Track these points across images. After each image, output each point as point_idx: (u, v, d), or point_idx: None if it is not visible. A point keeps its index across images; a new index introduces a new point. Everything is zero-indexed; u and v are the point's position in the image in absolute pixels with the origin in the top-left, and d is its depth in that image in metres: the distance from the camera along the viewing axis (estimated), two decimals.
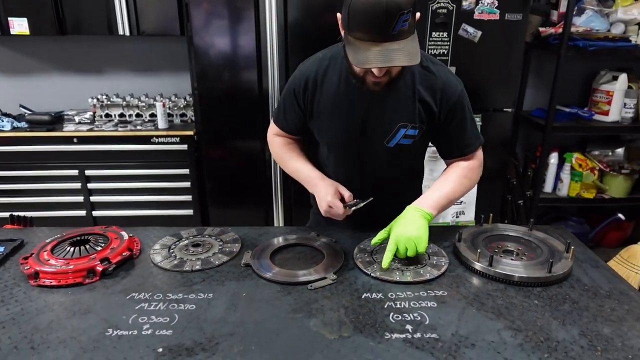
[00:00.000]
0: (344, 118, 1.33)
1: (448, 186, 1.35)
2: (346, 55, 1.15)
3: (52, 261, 1.18)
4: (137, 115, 2.96)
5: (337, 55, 1.32)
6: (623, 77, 2.86)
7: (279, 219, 2.71)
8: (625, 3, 2.75)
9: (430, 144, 1.47)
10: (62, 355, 0.90)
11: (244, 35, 2.36)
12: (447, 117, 1.32)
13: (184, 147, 2.75)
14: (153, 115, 2.94)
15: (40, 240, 1.33)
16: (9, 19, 2.64)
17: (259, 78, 2.42)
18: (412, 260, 1.23)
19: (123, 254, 1.24)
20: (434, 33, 2.40)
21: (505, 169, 2.86)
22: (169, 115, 2.90)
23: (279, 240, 1.37)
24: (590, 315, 1.04)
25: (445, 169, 1.43)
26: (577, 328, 0.99)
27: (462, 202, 2.56)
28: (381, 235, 1.27)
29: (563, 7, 2.77)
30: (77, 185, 2.81)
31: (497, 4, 2.36)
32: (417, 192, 1.54)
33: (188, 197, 2.85)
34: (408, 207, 1.28)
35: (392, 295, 1.11)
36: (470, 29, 2.39)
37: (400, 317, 1.02)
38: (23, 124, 2.81)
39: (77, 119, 2.90)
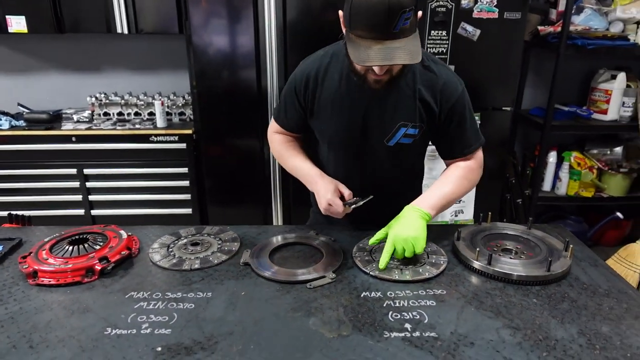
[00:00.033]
0: (345, 116, 1.33)
1: (447, 187, 1.34)
2: (347, 53, 1.15)
3: (51, 260, 1.18)
4: (136, 113, 2.96)
5: (338, 53, 1.32)
6: (621, 76, 2.86)
7: (277, 218, 2.71)
8: (624, 2, 2.75)
9: (430, 143, 1.47)
10: (61, 354, 0.90)
11: (242, 33, 2.35)
12: (447, 117, 1.31)
13: (183, 145, 2.75)
14: (152, 113, 2.93)
15: (38, 239, 1.33)
16: (7, 17, 2.63)
17: (257, 77, 2.42)
18: (411, 259, 1.23)
19: (122, 252, 1.24)
20: (432, 31, 2.39)
21: (504, 167, 2.86)
22: (168, 113, 2.89)
23: (277, 239, 1.37)
24: (589, 313, 1.04)
25: (445, 169, 1.42)
26: (576, 326, 0.99)
27: (461, 200, 2.56)
28: (379, 235, 1.27)
29: (562, 6, 2.77)
30: (76, 184, 2.80)
31: (496, 3, 2.36)
32: (416, 192, 1.54)
33: (187, 196, 2.85)
34: (406, 207, 1.28)
35: (391, 294, 1.11)
36: (469, 28, 2.39)
37: (399, 316, 1.02)
38: (21, 123, 2.80)
39: (75, 117, 2.89)
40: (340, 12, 1.16)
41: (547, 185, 3.08)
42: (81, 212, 2.86)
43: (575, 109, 2.99)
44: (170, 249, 1.31)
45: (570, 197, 3.03)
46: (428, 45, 2.41)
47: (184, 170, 2.80)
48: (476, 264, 1.20)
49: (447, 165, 1.43)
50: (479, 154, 1.40)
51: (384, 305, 1.06)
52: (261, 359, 0.89)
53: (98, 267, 1.17)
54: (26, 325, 0.98)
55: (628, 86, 2.88)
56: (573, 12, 2.67)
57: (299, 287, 1.14)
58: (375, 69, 1.14)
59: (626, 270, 2.62)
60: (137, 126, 2.80)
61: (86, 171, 2.78)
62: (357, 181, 1.41)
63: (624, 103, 2.90)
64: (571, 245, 1.24)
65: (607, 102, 2.91)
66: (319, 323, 1.00)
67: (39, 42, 3.03)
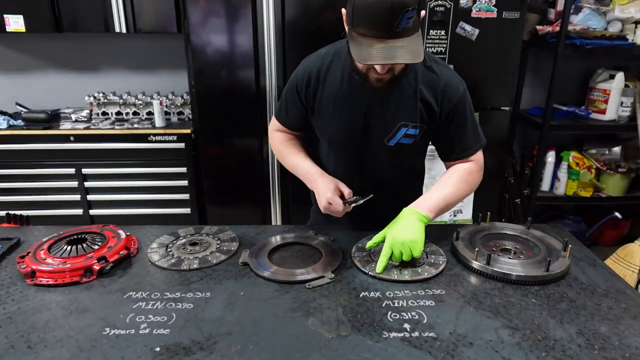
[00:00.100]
0: (346, 115, 1.33)
1: (446, 189, 1.33)
2: (349, 51, 1.15)
3: (49, 260, 1.17)
4: (134, 113, 2.95)
5: (340, 51, 1.32)
6: (620, 76, 2.86)
7: (276, 217, 2.71)
8: (622, 2, 2.75)
9: (429, 144, 1.46)
10: (59, 354, 0.90)
11: (241, 33, 2.35)
12: (448, 118, 1.31)
13: (181, 145, 2.74)
14: (150, 113, 2.93)
15: (37, 239, 1.33)
16: (5, 16, 2.63)
17: (256, 76, 2.42)
18: (409, 261, 1.22)
19: (120, 252, 1.24)
20: (431, 31, 2.39)
21: (502, 167, 2.86)
22: (166, 113, 2.89)
23: (276, 239, 1.37)
24: (588, 313, 1.04)
25: (445, 171, 1.41)
26: (575, 327, 0.99)
27: None
28: (377, 238, 1.26)
29: (560, 6, 2.77)
30: (74, 183, 2.80)
31: (494, 2, 2.36)
32: (417, 192, 1.54)
33: (185, 196, 2.85)
34: (405, 209, 1.28)
35: (390, 294, 1.11)
36: (468, 27, 2.39)
37: (398, 316, 1.02)
38: (19, 122, 2.80)
39: (73, 117, 2.89)
40: (343, 10, 1.15)
41: (545, 185, 3.09)
42: (79, 211, 2.86)
43: (573, 108, 3.00)
44: (168, 249, 1.31)
45: (569, 197, 3.04)
46: (427, 45, 2.41)
47: (183, 169, 2.79)
48: (475, 264, 1.20)
49: (447, 167, 1.42)
50: (479, 157, 1.39)
51: (383, 305, 1.06)
52: (260, 359, 0.89)
53: (96, 267, 1.17)
54: (24, 326, 0.98)
55: (626, 86, 2.89)
56: (571, 11, 2.67)
57: (297, 287, 1.14)
58: (377, 67, 1.14)
59: (624, 270, 2.62)
60: (136, 126, 2.79)
61: (84, 171, 2.78)
62: (357, 180, 1.41)
63: (622, 103, 2.90)
64: (570, 245, 1.25)
65: (606, 101, 2.92)
66: (318, 323, 1.00)
67: (37, 41, 3.02)
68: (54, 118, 2.88)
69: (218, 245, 1.33)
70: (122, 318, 1.01)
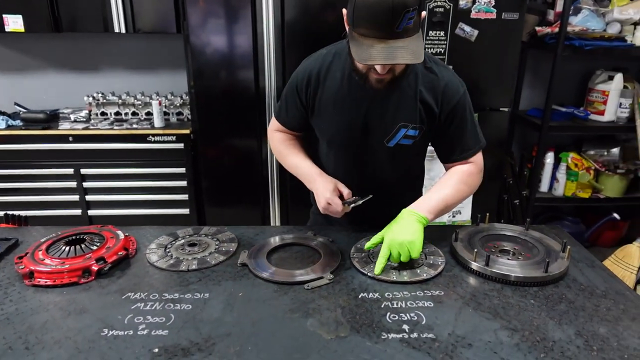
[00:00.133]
0: (346, 115, 1.33)
1: (445, 191, 1.33)
2: (350, 51, 1.15)
3: (47, 260, 1.17)
4: (133, 113, 2.95)
5: (341, 51, 1.32)
6: (619, 77, 2.87)
7: (275, 218, 2.71)
8: (621, 3, 2.76)
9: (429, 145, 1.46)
10: (57, 355, 0.90)
11: (240, 33, 2.35)
12: (447, 119, 1.31)
13: (180, 145, 2.74)
14: (149, 113, 2.93)
15: (35, 239, 1.33)
16: (4, 15, 2.62)
17: (255, 77, 2.42)
18: (408, 262, 1.22)
19: (119, 253, 1.24)
20: (430, 32, 2.39)
21: (501, 168, 2.86)
22: (165, 113, 2.89)
23: (275, 240, 1.37)
24: (586, 315, 1.04)
25: (444, 173, 1.41)
26: (573, 328, 0.99)
27: None
28: (375, 239, 1.26)
29: (559, 7, 2.77)
30: (73, 184, 2.79)
31: (493, 3, 2.36)
32: (416, 193, 1.54)
33: (184, 196, 2.84)
34: (404, 210, 1.27)
35: (388, 295, 1.11)
36: (467, 28, 2.39)
37: (397, 317, 1.02)
38: (18, 122, 2.79)
39: (72, 117, 2.89)
40: (344, 10, 1.15)
41: (544, 186, 3.09)
42: (78, 212, 2.85)
43: (572, 109, 3.00)
44: (167, 250, 1.31)
45: (568, 198, 3.04)
46: (426, 46, 2.41)
47: (182, 170, 2.79)
48: (474, 265, 1.20)
49: (447, 169, 1.42)
50: (479, 159, 1.38)
51: (382, 306, 1.06)
52: None
53: (95, 268, 1.16)
54: (22, 326, 0.98)
55: (625, 87, 2.89)
56: (570, 13, 2.67)
57: (296, 288, 1.13)
58: (378, 68, 1.14)
59: (623, 271, 2.63)
60: (135, 126, 2.79)
61: (83, 171, 2.77)
62: (357, 181, 1.41)
63: (621, 104, 2.90)
64: (568, 247, 1.25)
65: (604, 103, 2.92)
66: (317, 324, 1.00)
67: (36, 41, 3.02)
68: (52, 118, 2.88)
69: (217, 246, 1.33)
70: (121, 319, 1.00)
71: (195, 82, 2.45)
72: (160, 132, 2.72)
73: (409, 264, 1.22)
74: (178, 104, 2.92)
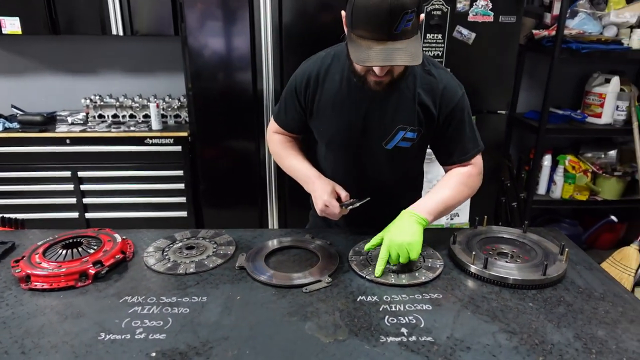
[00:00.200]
0: (344, 117, 1.33)
1: (445, 192, 1.33)
2: (348, 53, 1.15)
3: (44, 264, 1.16)
4: (131, 116, 2.95)
5: (340, 53, 1.32)
6: (615, 80, 2.88)
7: (273, 220, 2.70)
8: (618, 6, 2.77)
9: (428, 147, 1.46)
10: None
11: (238, 35, 2.35)
12: (446, 121, 1.31)
13: (178, 148, 2.73)
14: (147, 116, 2.92)
15: (32, 242, 1.32)
16: (1, 18, 2.62)
17: (253, 79, 2.42)
18: (406, 265, 1.22)
19: (116, 256, 1.23)
20: (428, 35, 2.40)
21: (499, 171, 2.87)
22: (163, 116, 2.88)
23: (273, 243, 1.37)
24: (585, 317, 1.04)
25: (444, 175, 1.41)
26: (572, 331, 0.99)
27: None
28: (375, 240, 1.26)
29: (556, 10, 2.78)
30: (70, 186, 2.78)
31: (491, 6, 2.37)
32: (415, 195, 1.54)
33: (182, 199, 2.84)
34: (403, 212, 1.27)
35: (387, 298, 1.11)
36: (465, 31, 2.40)
37: (395, 320, 1.02)
38: (15, 125, 2.78)
39: (69, 119, 2.88)
40: (343, 12, 1.16)
41: (542, 189, 3.09)
42: (75, 215, 2.84)
43: (569, 112, 3.01)
44: (165, 253, 1.30)
45: (565, 201, 3.05)
46: (424, 49, 2.42)
47: (179, 173, 2.78)
48: (472, 268, 1.20)
49: (446, 172, 1.42)
50: (479, 161, 1.39)
51: (380, 309, 1.06)
52: None
53: (92, 271, 1.16)
54: (18, 331, 0.97)
55: (622, 90, 2.90)
56: (567, 16, 2.68)
57: (294, 291, 1.13)
58: (376, 69, 1.14)
59: (621, 273, 2.63)
60: (132, 128, 2.78)
61: (80, 174, 2.76)
62: (355, 183, 1.41)
63: (617, 107, 2.91)
64: (567, 249, 1.25)
65: (601, 105, 2.93)
66: (315, 327, 0.99)
67: (33, 43, 3.01)
68: (50, 121, 2.87)
69: (214, 249, 1.33)
70: (118, 323, 1.00)
71: (193, 84, 2.45)
72: (158, 134, 2.71)
73: (408, 267, 1.21)
74: (176, 107, 2.92)
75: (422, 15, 1.12)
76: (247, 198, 2.67)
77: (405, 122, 1.30)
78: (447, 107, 1.29)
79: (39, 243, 1.27)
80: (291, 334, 0.97)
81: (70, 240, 1.29)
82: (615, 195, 3.05)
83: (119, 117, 2.94)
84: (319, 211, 1.35)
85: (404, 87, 1.27)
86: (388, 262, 1.20)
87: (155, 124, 2.77)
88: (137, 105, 2.92)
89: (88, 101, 2.90)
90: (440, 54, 2.44)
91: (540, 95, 2.93)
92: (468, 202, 2.65)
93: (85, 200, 2.82)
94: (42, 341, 0.94)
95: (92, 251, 1.23)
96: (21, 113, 2.92)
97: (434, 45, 2.43)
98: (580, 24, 2.75)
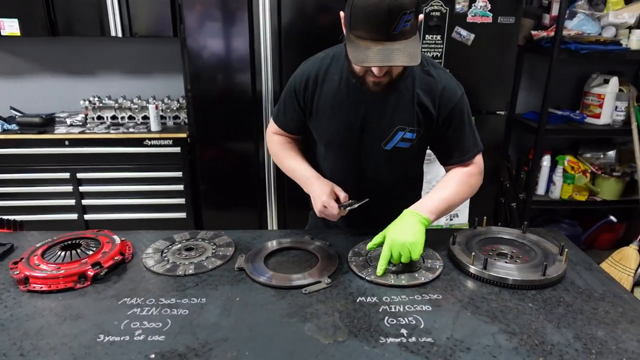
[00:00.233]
0: (343, 118, 1.33)
1: (447, 191, 1.33)
2: (347, 53, 1.15)
3: (43, 266, 1.16)
4: (130, 117, 2.94)
5: (339, 54, 1.32)
6: (614, 80, 2.88)
7: (272, 221, 2.70)
8: (616, 7, 2.78)
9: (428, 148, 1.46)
10: None
11: (237, 37, 2.35)
12: (445, 122, 1.31)
13: (177, 149, 2.73)
14: (146, 117, 2.92)
15: (30, 244, 1.32)
16: (0, 19, 2.61)
17: (252, 80, 2.42)
18: (407, 265, 1.22)
19: (115, 258, 1.23)
20: (427, 36, 2.40)
21: (498, 171, 2.87)
22: (162, 117, 2.88)
23: (272, 244, 1.36)
24: (585, 318, 1.04)
25: (445, 174, 1.41)
26: (572, 331, 0.99)
27: None
28: (376, 240, 1.25)
29: (555, 11, 2.79)
30: (69, 188, 2.78)
31: (489, 7, 2.37)
32: (415, 196, 1.54)
33: (181, 200, 2.84)
34: (405, 211, 1.27)
35: (386, 299, 1.10)
36: (464, 32, 2.40)
37: (395, 321, 1.02)
38: (13, 126, 2.78)
39: (68, 121, 2.87)
40: (342, 13, 1.16)
41: (541, 189, 3.10)
42: (74, 216, 2.84)
43: (568, 113, 3.01)
44: (164, 254, 1.30)
45: (564, 201, 3.05)
46: (422, 50, 2.41)
47: (178, 174, 2.78)
48: (472, 269, 1.20)
49: (447, 171, 1.42)
50: (479, 160, 1.39)
51: (380, 310, 1.06)
52: None
53: (91, 273, 1.15)
54: (17, 333, 0.97)
55: (620, 90, 2.90)
56: (566, 17, 2.69)
57: (294, 292, 1.13)
58: (374, 70, 1.14)
59: (620, 273, 2.63)
60: (131, 130, 2.78)
61: (79, 175, 2.76)
62: (354, 183, 1.41)
63: (616, 107, 2.92)
64: (566, 249, 1.25)
65: (600, 106, 2.93)
66: (315, 329, 0.99)
67: (32, 45, 3.01)
68: (48, 122, 2.87)
69: (214, 251, 1.32)
70: (117, 324, 1.00)
71: (192, 85, 2.45)
72: (157, 135, 2.71)
73: (408, 267, 1.21)
74: (175, 108, 2.92)
75: (421, 16, 1.12)
76: (246, 199, 2.66)
77: (404, 123, 1.30)
78: (446, 107, 1.29)
79: (38, 245, 1.27)
80: (291, 335, 0.97)
81: (69, 242, 1.28)
82: (614, 196, 3.05)
83: (117, 118, 2.93)
84: (317, 212, 1.35)
85: (403, 88, 1.27)
86: (390, 262, 1.20)
87: (154, 125, 2.77)
88: (136, 106, 2.92)
89: (87, 103, 2.90)
90: (439, 55, 2.44)
91: (539, 96, 2.93)
92: (467, 202, 2.65)
93: (84, 202, 2.82)
94: (41, 343, 0.94)
95: (90, 253, 1.23)
96: (20, 115, 2.91)
97: (433, 46, 2.43)
98: (578, 25, 2.75)
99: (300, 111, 1.40)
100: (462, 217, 2.69)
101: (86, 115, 2.91)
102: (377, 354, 0.92)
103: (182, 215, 2.86)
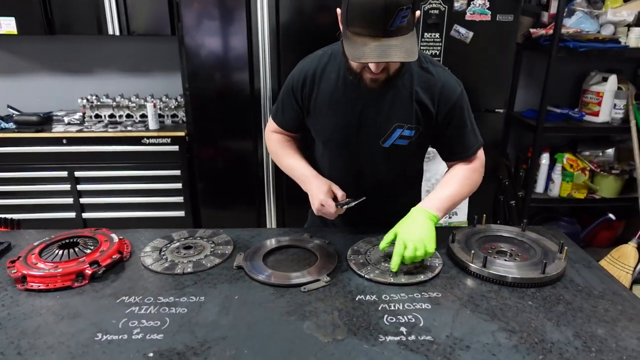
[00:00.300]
0: (340, 116, 1.32)
1: (451, 188, 1.33)
2: (343, 50, 1.14)
3: (40, 264, 1.15)
4: (128, 116, 2.93)
5: (336, 52, 1.31)
6: (613, 78, 2.88)
7: (271, 220, 2.70)
8: (615, 5, 2.78)
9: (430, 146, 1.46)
10: None
11: (235, 35, 2.34)
12: (445, 119, 1.31)
13: (175, 148, 2.73)
14: (144, 116, 2.91)
15: (28, 243, 1.31)
16: None
17: (250, 78, 2.41)
18: (408, 263, 1.20)
19: (113, 256, 1.22)
20: (426, 34, 2.40)
21: (497, 169, 2.87)
22: (160, 116, 2.87)
23: (271, 242, 1.36)
24: (584, 316, 1.04)
25: (447, 170, 1.42)
26: (572, 329, 0.99)
27: None
28: (388, 238, 1.23)
29: (553, 9, 2.79)
30: (67, 186, 2.77)
31: (488, 5, 2.37)
32: (414, 194, 1.54)
33: (179, 199, 2.83)
34: (413, 209, 1.27)
35: (386, 297, 1.10)
36: (462, 30, 2.40)
37: (394, 319, 1.01)
38: (11, 125, 2.77)
39: (66, 119, 2.87)
40: (339, 10, 1.15)
41: (540, 187, 3.09)
42: (72, 215, 2.83)
43: (567, 111, 3.01)
44: (162, 253, 1.30)
45: (563, 199, 3.05)
46: (421, 47, 2.41)
47: (177, 172, 2.77)
48: (471, 267, 1.20)
49: (449, 167, 1.42)
50: (481, 155, 1.39)
51: (379, 308, 1.06)
52: None
53: (88, 272, 1.15)
54: (14, 331, 0.97)
55: (619, 88, 2.90)
56: (565, 14, 2.68)
57: (293, 290, 1.13)
58: (371, 66, 1.14)
59: (619, 271, 2.63)
60: (129, 128, 2.77)
61: (77, 174, 2.75)
62: (353, 181, 1.40)
63: (615, 105, 2.92)
64: (565, 247, 1.24)
65: (599, 104, 2.93)
66: (314, 327, 0.99)
67: (29, 43, 3.00)
68: (46, 121, 2.86)
69: (212, 249, 1.32)
70: (115, 323, 0.99)
71: (190, 84, 2.44)
72: (155, 134, 2.70)
73: (407, 266, 1.20)
74: (173, 106, 2.91)
75: (418, 12, 1.12)
76: (244, 197, 2.66)
77: (402, 120, 1.30)
78: (445, 105, 1.29)
79: (35, 243, 1.26)
80: (289, 334, 0.97)
81: (67, 241, 1.28)
82: (613, 194, 3.05)
83: (115, 117, 2.92)
84: (315, 210, 1.35)
85: (400, 85, 1.27)
86: (402, 263, 1.18)
87: (152, 123, 2.76)
88: (134, 105, 2.91)
89: (85, 101, 2.89)
90: (438, 53, 2.43)
91: (537, 94, 2.93)
92: (466, 200, 2.64)
93: (82, 201, 2.81)
94: (38, 342, 0.93)
95: (88, 251, 1.22)
96: (17, 113, 2.90)
97: (431, 44, 2.42)
98: (577, 23, 2.75)
99: (299, 109, 1.40)
100: (461, 215, 2.69)
101: (84, 113, 2.90)
102: (376, 352, 0.91)
103: (181, 213, 2.86)
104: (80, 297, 1.09)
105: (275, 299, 1.09)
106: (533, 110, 3.04)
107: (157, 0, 2.62)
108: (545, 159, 3.03)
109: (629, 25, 2.76)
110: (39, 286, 1.11)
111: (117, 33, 2.66)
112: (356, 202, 1.34)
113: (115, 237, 1.30)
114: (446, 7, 2.35)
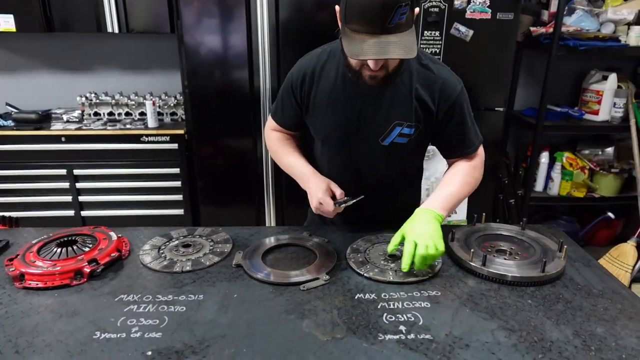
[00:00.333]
0: (339, 114, 1.32)
1: (454, 186, 1.33)
2: (342, 47, 1.14)
3: (39, 262, 1.15)
4: (127, 113, 2.93)
5: (335, 50, 1.31)
6: (613, 77, 2.88)
7: (270, 218, 2.69)
8: (615, 3, 2.77)
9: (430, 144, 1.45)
10: (48, 359, 0.88)
11: (235, 33, 2.34)
12: (446, 116, 1.30)
13: (175, 146, 2.72)
14: (143, 113, 2.90)
15: (26, 241, 1.31)
16: None
17: (250, 76, 2.40)
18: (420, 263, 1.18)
19: (111, 254, 1.22)
20: (425, 32, 2.39)
21: (496, 168, 2.86)
22: (159, 114, 2.87)
23: (270, 241, 1.36)
24: (584, 314, 1.03)
25: (448, 168, 1.41)
26: (571, 328, 0.99)
27: None
28: (396, 240, 1.22)
29: (554, 7, 2.78)
30: (65, 184, 2.77)
31: (488, 3, 2.36)
32: (413, 193, 1.53)
33: (179, 197, 2.83)
34: (417, 210, 1.26)
35: (385, 295, 1.10)
36: (462, 28, 2.39)
37: (393, 318, 1.01)
38: (9, 123, 2.76)
39: (65, 117, 2.86)
40: (337, 7, 1.15)
41: (539, 186, 3.09)
42: (71, 213, 2.83)
43: (567, 109, 3.01)
44: (161, 251, 1.29)
45: (562, 197, 3.05)
46: (421, 46, 2.41)
47: (176, 170, 2.77)
48: (471, 265, 1.20)
49: (450, 164, 1.42)
50: (481, 151, 1.40)
51: (378, 307, 1.05)
52: None
53: (87, 270, 1.15)
54: (12, 330, 0.96)
55: (619, 87, 2.90)
56: (565, 13, 2.68)
57: (292, 289, 1.12)
58: (370, 63, 1.13)
59: (618, 270, 2.63)
60: (128, 126, 2.76)
61: (76, 172, 2.75)
62: (352, 179, 1.40)
63: (615, 104, 2.91)
64: (565, 246, 1.24)
65: (599, 102, 2.93)
66: (313, 325, 0.98)
67: (27, 41, 2.99)
68: (45, 118, 2.85)
69: (211, 247, 1.32)
70: (113, 321, 0.99)
71: (190, 82, 2.44)
72: (154, 132, 2.70)
73: (420, 271, 1.18)
74: (172, 104, 2.90)
75: (417, 9, 1.11)
76: (244, 196, 2.66)
77: (401, 118, 1.29)
78: (446, 102, 1.28)
79: (34, 241, 1.26)
80: (288, 332, 0.96)
81: (65, 239, 1.28)
82: (612, 192, 3.05)
83: (114, 114, 2.92)
84: (313, 209, 1.35)
85: (400, 83, 1.26)
86: (411, 268, 1.17)
87: (151, 121, 2.75)
88: (133, 103, 2.90)
89: (83, 99, 2.88)
90: (437, 51, 2.43)
91: (537, 93, 2.92)
92: (466, 199, 2.64)
93: (81, 198, 2.81)
94: (37, 340, 0.93)
95: (87, 249, 1.22)
96: (16, 111, 2.90)
97: (431, 42, 2.42)
98: (577, 21, 2.75)
99: (298, 107, 1.39)
100: (460, 213, 2.69)
101: (83, 111, 2.89)
102: (375, 350, 0.91)
103: (180, 211, 2.85)
104: (78, 295, 1.09)
105: (274, 298, 1.09)
106: (533, 108, 3.04)
107: None
108: (544, 157, 3.03)
109: (629, 24, 2.76)
110: (37, 284, 1.11)
111: (116, 30, 2.65)
112: (355, 200, 1.34)
113: (114, 235, 1.30)
114: (446, 5, 2.35)
